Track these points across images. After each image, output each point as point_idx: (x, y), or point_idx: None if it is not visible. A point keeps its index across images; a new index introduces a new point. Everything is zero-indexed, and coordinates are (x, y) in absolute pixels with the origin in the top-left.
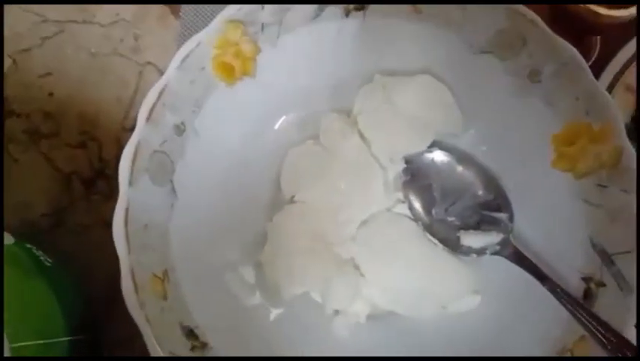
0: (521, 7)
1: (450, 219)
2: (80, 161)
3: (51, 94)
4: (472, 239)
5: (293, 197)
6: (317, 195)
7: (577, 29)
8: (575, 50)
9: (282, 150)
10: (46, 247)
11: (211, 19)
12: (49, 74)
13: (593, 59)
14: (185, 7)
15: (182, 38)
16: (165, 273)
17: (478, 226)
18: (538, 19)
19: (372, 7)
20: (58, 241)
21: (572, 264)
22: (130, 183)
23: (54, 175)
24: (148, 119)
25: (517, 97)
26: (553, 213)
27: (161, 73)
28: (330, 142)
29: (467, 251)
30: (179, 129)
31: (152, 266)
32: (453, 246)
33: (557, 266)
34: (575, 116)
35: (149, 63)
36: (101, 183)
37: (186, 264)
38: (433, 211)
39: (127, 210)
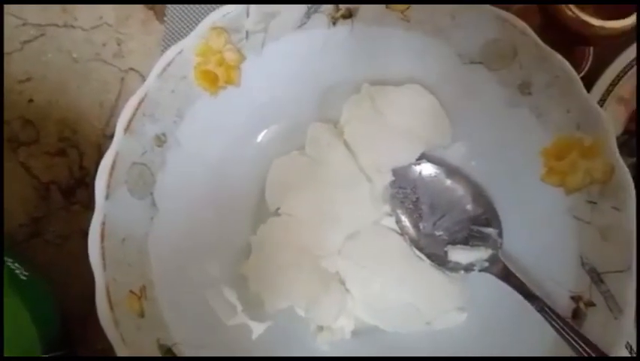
0: (511, 17)
1: (438, 233)
2: (59, 169)
3: (31, 100)
4: (460, 255)
5: (278, 209)
6: (302, 207)
7: (568, 39)
8: (566, 62)
9: (266, 161)
10: (22, 258)
11: (196, 25)
12: (29, 79)
13: (585, 70)
14: (170, 12)
15: (167, 43)
16: (143, 289)
17: (467, 241)
18: (529, 30)
19: (359, 14)
20: (35, 252)
21: (561, 282)
22: (107, 197)
23: (32, 184)
24: (126, 129)
25: (507, 109)
26: (543, 230)
27: (144, 79)
28: (316, 153)
29: (455, 267)
30: (160, 140)
31: (129, 282)
32: (440, 261)
33: (546, 284)
34: (565, 129)
35: (131, 69)
36: (80, 192)
37: (165, 279)
38: (421, 225)
39: (103, 224)
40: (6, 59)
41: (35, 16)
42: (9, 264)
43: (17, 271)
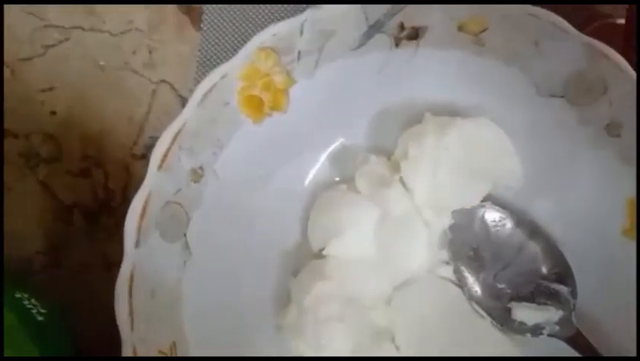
0: (605, 47)
1: (500, 286)
2: (82, 191)
3: (53, 112)
4: (525, 313)
5: (321, 250)
6: (349, 250)
7: None
8: None
9: (310, 195)
10: (38, 293)
11: (236, 32)
12: (51, 88)
13: None
14: (207, 17)
15: (203, 54)
16: (173, 347)
17: (533, 297)
18: (625, 63)
19: (427, 36)
20: (53, 283)
21: None
22: (137, 244)
23: (53, 206)
24: (160, 166)
25: (588, 151)
26: (623, 290)
27: (177, 93)
28: (367, 188)
29: (519, 328)
30: (197, 175)
31: (158, 341)
32: (502, 320)
33: (628, 352)
34: None
35: (163, 81)
36: (105, 217)
37: (198, 333)
38: (481, 276)
39: (132, 276)
40: (26, 64)
41: (59, 18)
42: (24, 302)
43: (33, 311)
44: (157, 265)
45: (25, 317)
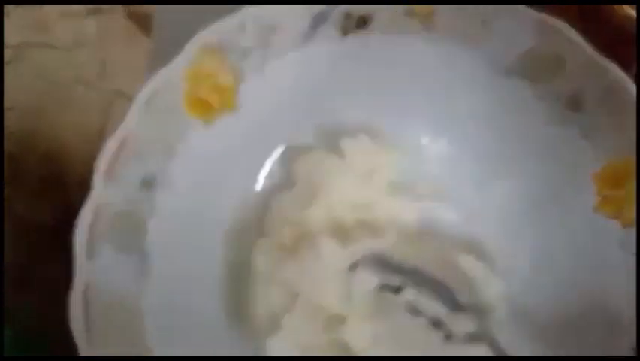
0: (556, 21)
1: None
2: (44, 209)
3: (10, 132)
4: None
5: None
6: None
7: (610, 39)
8: (624, 74)
9: (268, 193)
10: (5, 313)
11: (187, 35)
12: (8, 108)
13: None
14: (158, 23)
15: (156, 61)
16: None
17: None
18: (578, 37)
19: (374, 23)
20: (21, 306)
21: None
22: (89, 257)
23: (15, 228)
24: (107, 177)
25: (550, 127)
26: (596, 266)
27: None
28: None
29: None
30: (149, 183)
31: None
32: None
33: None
34: (622, 153)
35: (118, 91)
36: (69, 234)
37: (163, 345)
38: None
39: (85, 292)
40: None
41: (8, 37)
42: None
43: None
44: (113, 278)
45: None
